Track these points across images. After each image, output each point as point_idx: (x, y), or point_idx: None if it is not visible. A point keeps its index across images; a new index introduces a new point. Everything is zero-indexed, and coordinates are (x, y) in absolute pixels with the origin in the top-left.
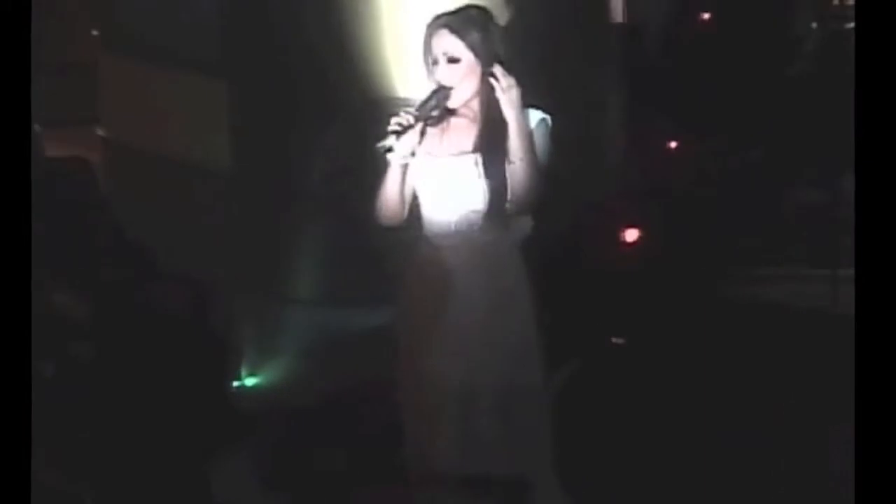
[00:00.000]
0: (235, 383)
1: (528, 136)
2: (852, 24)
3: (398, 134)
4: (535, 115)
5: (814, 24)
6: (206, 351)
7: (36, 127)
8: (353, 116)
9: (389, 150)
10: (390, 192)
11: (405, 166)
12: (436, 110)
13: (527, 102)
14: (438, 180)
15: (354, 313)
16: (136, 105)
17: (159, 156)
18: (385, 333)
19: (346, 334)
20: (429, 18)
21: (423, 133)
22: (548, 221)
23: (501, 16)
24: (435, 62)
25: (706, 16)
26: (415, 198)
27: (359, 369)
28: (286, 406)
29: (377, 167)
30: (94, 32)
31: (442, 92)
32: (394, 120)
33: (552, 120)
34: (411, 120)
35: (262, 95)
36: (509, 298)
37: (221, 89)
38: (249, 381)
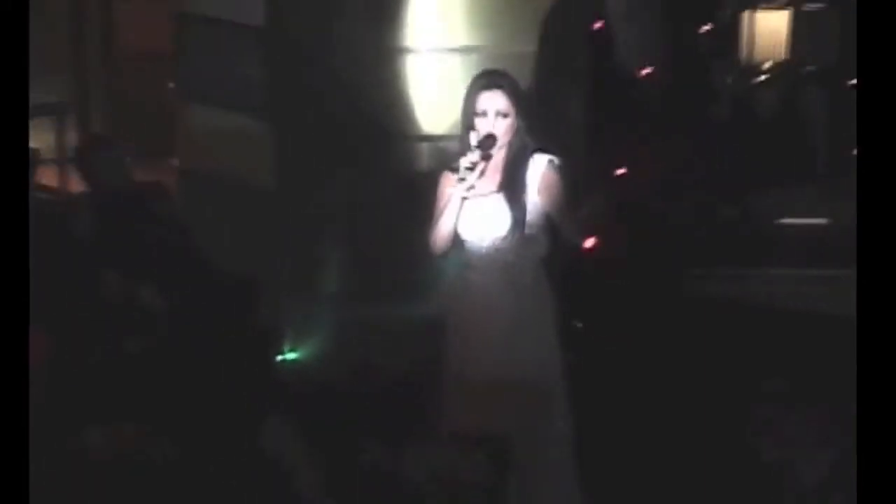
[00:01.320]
0: (279, 357)
1: (543, 175)
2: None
3: (470, 171)
4: (544, 157)
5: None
6: (257, 332)
7: (127, 159)
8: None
9: (462, 180)
10: (448, 223)
11: (463, 200)
12: (487, 154)
13: (538, 147)
14: (474, 214)
15: (373, 306)
16: (202, 141)
17: (219, 180)
18: (394, 322)
19: (365, 322)
20: (473, 75)
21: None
22: (559, 241)
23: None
24: (484, 114)
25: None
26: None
27: (377, 349)
28: (319, 376)
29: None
30: (171, 85)
31: (492, 139)
32: (465, 160)
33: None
34: (477, 159)
35: (299, 133)
36: (530, 303)
37: (267, 128)
38: (290, 356)
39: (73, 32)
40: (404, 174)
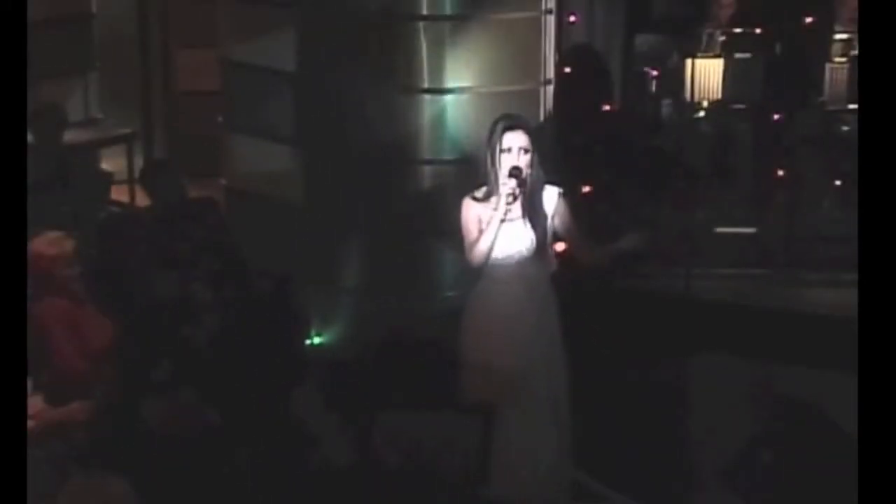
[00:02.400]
0: (307, 341)
1: (556, 204)
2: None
3: (513, 197)
4: (555, 189)
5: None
6: (289, 319)
7: (185, 181)
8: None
9: (508, 206)
10: (488, 242)
11: (501, 224)
12: (522, 182)
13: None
14: (503, 235)
15: (386, 298)
16: (244, 164)
17: (258, 194)
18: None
19: (379, 312)
20: (498, 117)
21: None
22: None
23: None
24: (509, 150)
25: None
26: None
27: (390, 334)
28: (341, 357)
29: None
30: (220, 119)
31: (519, 171)
32: (506, 188)
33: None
34: (514, 189)
35: (322, 157)
36: (545, 308)
37: (298, 153)
38: (317, 340)
39: (141, 75)
40: (412, 191)
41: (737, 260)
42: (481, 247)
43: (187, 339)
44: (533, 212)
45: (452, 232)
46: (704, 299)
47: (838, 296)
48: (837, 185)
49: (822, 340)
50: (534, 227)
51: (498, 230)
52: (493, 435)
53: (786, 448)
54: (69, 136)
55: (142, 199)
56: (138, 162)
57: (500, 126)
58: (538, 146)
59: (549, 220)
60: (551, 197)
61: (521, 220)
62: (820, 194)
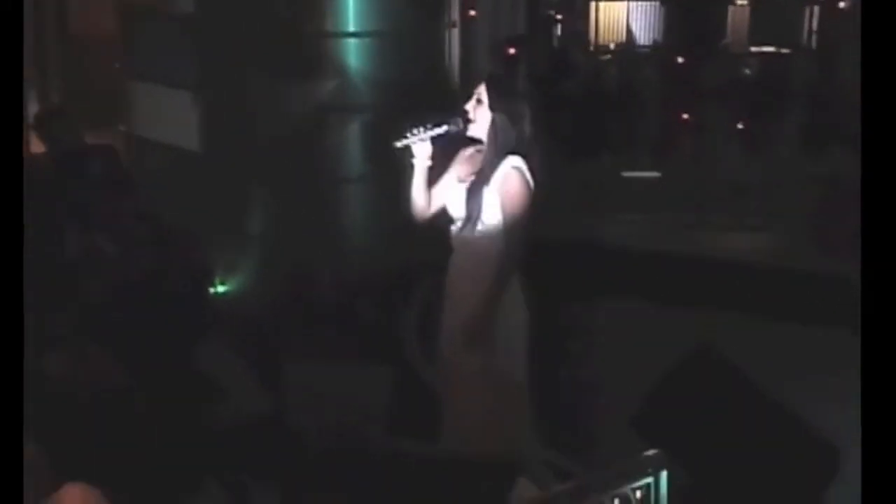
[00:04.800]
0: (211, 290)
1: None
2: None
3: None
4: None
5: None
6: (192, 268)
7: (80, 126)
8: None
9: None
10: (416, 190)
11: (425, 171)
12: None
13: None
14: (458, 200)
15: (291, 246)
16: (144, 110)
17: (159, 142)
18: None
19: (281, 260)
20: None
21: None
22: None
23: None
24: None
25: None
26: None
27: (292, 281)
28: (244, 305)
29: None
30: (117, 65)
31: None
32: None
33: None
34: (421, 133)
35: (226, 104)
36: (490, 277)
37: (199, 99)
38: (221, 288)
39: (35, 21)
40: (318, 137)
41: (642, 204)
42: (411, 193)
43: (89, 291)
44: (483, 180)
45: (358, 179)
46: (610, 244)
47: (742, 240)
48: (740, 129)
49: (725, 284)
50: (473, 195)
51: (425, 178)
52: (448, 393)
53: (690, 393)
54: None
55: (37, 147)
56: (32, 108)
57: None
58: (505, 108)
59: (495, 193)
60: (505, 169)
61: (475, 185)
62: (724, 138)
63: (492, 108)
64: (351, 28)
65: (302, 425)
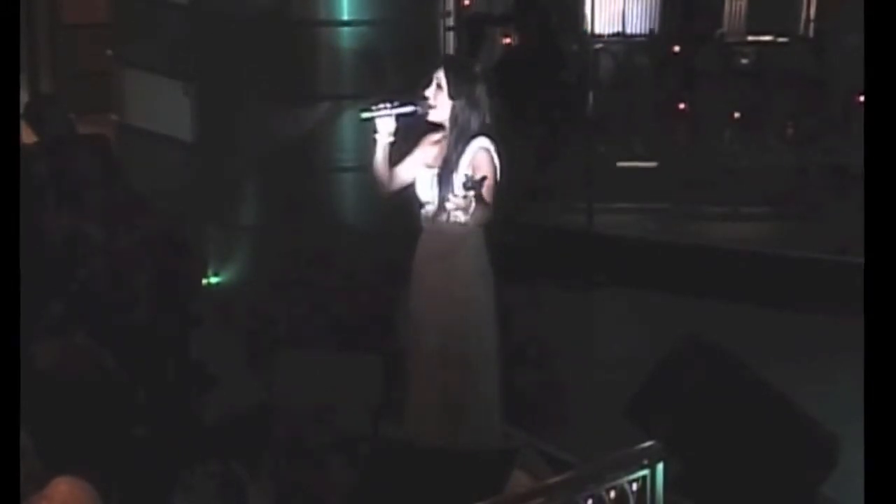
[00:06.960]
0: (204, 281)
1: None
2: None
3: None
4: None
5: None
6: (185, 257)
7: (71, 115)
8: None
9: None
10: (376, 164)
11: (387, 146)
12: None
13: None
14: (425, 183)
15: (284, 236)
16: (137, 98)
17: (151, 131)
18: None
19: (275, 253)
20: None
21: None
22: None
23: None
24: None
25: None
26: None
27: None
28: (236, 292)
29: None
30: (109, 52)
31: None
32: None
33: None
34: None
35: (219, 92)
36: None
37: (192, 88)
38: (214, 280)
39: (25, 9)
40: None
41: (638, 194)
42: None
43: (79, 280)
44: (451, 165)
45: (352, 168)
46: (606, 233)
47: (739, 229)
48: (737, 118)
49: (721, 272)
50: (452, 180)
51: (385, 153)
52: (412, 376)
53: (686, 382)
54: None
55: (28, 136)
56: (23, 97)
57: None
58: (465, 92)
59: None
60: (473, 151)
61: (441, 170)
62: (720, 127)
63: (450, 94)
64: (345, 16)
65: (292, 414)
